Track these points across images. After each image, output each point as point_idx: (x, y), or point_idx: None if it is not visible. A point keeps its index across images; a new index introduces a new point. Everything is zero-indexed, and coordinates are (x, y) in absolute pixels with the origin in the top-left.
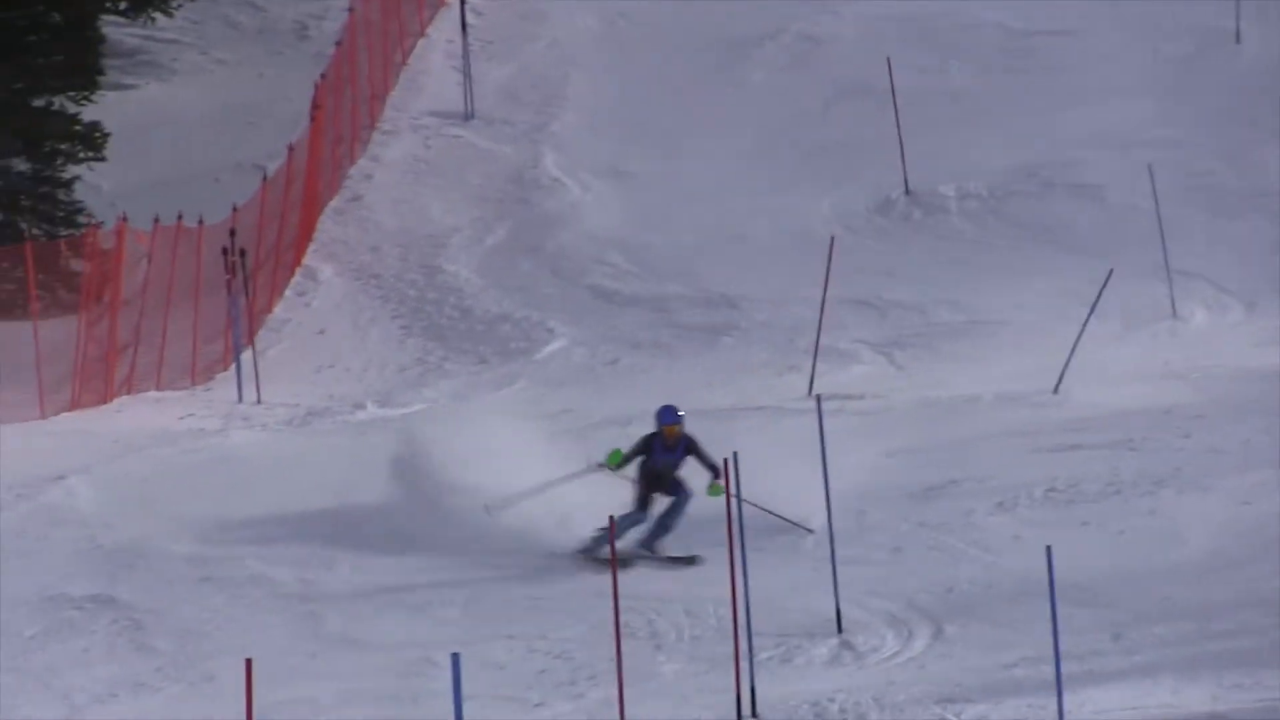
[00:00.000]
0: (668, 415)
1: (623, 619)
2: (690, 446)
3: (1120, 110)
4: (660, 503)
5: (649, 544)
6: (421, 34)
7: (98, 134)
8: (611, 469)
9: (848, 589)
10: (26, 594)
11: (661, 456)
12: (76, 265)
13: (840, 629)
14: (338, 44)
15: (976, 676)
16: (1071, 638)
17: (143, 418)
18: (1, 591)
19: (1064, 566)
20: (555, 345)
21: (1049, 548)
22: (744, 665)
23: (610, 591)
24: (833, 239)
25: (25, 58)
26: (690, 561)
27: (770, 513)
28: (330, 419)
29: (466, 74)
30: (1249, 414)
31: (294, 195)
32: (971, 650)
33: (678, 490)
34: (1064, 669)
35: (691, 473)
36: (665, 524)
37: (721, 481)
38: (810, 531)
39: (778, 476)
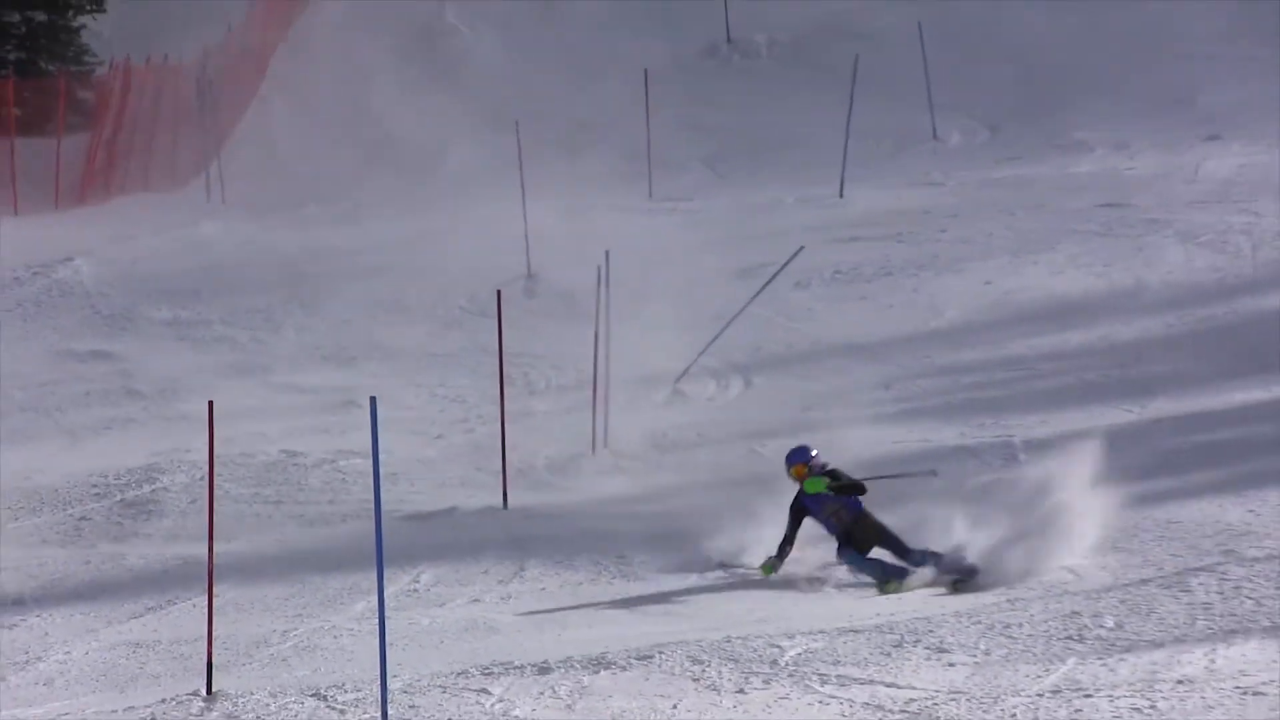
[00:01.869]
0: (794, 456)
1: (505, 371)
2: (835, 476)
3: None
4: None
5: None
6: None
7: None
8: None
9: (680, 349)
10: (41, 350)
11: (819, 507)
12: (83, 94)
13: (672, 379)
14: None
15: (779, 417)
16: (852, 388)
17: (135, 211)
18: (22, 346)
19: (847, 331)
20: None
21: None
22: (599, 407)
23: (496, 349)
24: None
25: None
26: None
27: (893, 476)
28: (281, 214)
29: None
30: (991, 213)
31: (253, 38)
32: (778, 395)
33: (885, 538)
34: (846, 412)
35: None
36: (923, 559)
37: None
38: (934, 473)
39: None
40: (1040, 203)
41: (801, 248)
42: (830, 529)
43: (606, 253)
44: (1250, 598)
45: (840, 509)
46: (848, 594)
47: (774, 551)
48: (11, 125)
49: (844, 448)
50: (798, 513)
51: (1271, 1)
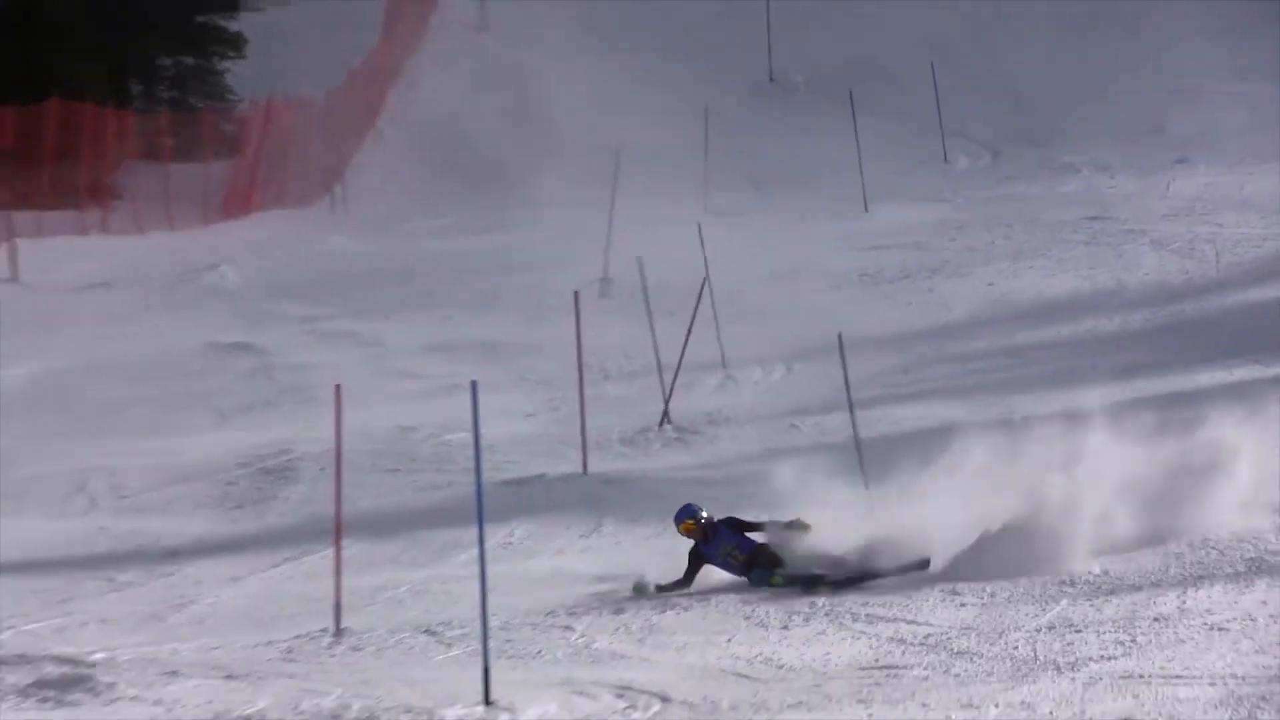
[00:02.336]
0: (682, 514)
1: (584, 359)
2: (734, 524)
3: (915, 18)
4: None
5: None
6: None
7: (240, 40)
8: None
9: (730, 339)
10: (193, 342)
11: (715, 550)
12: (226, 127)
13: (724, 363)
14: None
15: (815, 397)
16: (877, 372)
17: (271, 226)
18: (177, 340)
19: (872, 325)
20: None
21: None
22: (664, 390)
23: (575, 341)
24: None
25: None
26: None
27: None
28: (394, 228)
29: None
30: (993, 225)
31: (369, 80)
32: (815, 380)
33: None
34: (869, 393)
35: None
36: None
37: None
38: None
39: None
40: (1034, 216)
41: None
42: (730, 569)
43: (640, 259)
44: (1215, 549)
45: (733, 549)
46: None
47: (663, 580)
48: (167, 154)
49: (874, 421)
50: (696, 560)
51: (1231, 43)
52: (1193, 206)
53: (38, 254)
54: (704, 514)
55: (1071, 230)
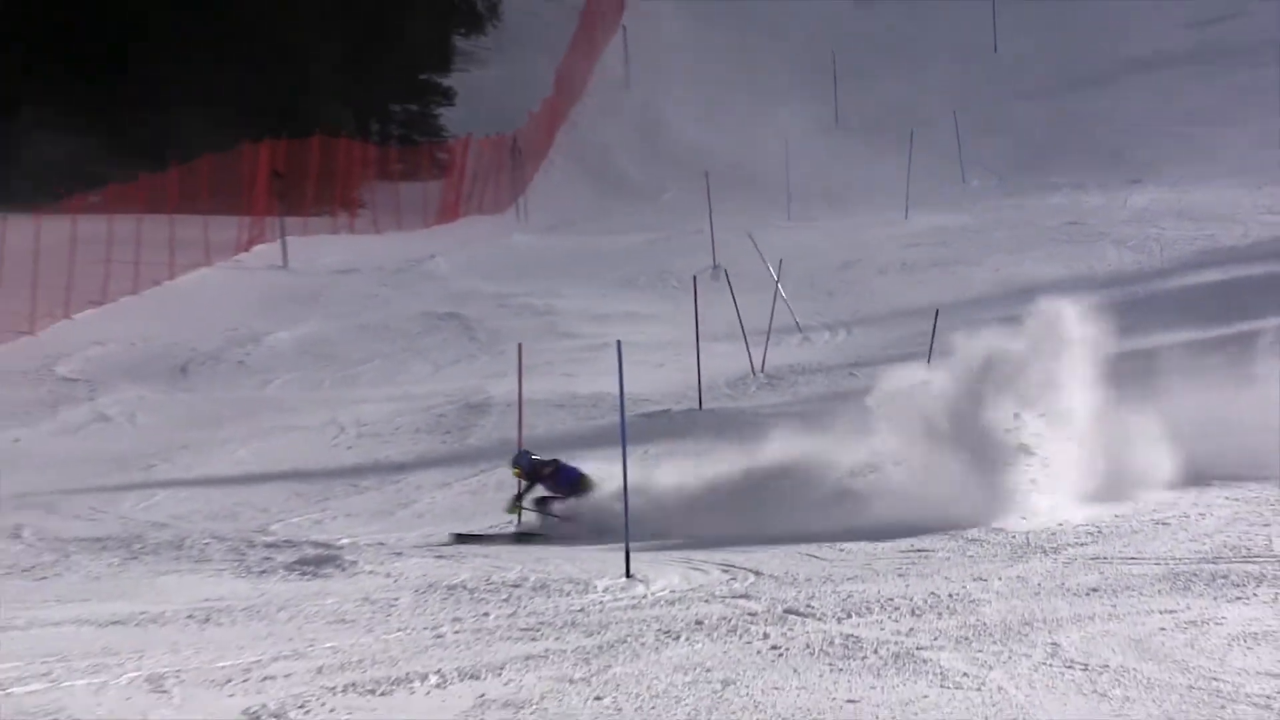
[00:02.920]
0: (515, 461)
1: (700, 325)
2: (553, 464)
3: (943, 76)
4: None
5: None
6: None
7: (451, 92)
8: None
9: (806, 311)
10: (413, 312)
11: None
12: (440, 155)
13: (799, 328)
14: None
15: (870, 352)
16: (912, 336)
17: (472, 228)
18: (404, 310)
19: (909, 301)
20: None
21: (938, 311)
22: (750, 346)
23: (693, 312)
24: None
25: (413, 55)
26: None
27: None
28: (562, 230)
29: None
30: (998, 228)
31: (544, 122)
32: (868, 340)
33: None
34: (908, 349)
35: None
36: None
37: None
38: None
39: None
40: (1029, 221)
41: None
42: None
43: (781, 260)
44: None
45: (555, 485)
46: None
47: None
48: (397, 175)
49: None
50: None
51: (1174, 96)
52: (1143, 215)
53: (303, 248)
54: (534, 456)
55: (1056, 232)
